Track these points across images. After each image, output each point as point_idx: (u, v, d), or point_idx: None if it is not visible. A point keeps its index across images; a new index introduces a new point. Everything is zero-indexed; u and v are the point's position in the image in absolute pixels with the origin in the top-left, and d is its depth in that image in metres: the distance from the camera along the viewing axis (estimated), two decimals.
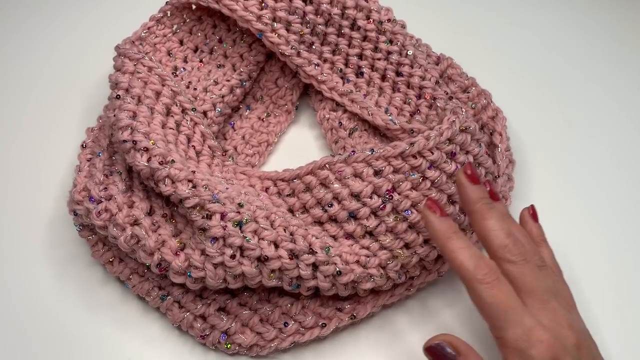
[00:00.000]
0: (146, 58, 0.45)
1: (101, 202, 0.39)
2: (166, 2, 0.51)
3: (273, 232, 0.38)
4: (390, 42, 0.48)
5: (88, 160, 0.44)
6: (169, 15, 0.51)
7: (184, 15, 0.51)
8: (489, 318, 0.33)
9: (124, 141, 0.40)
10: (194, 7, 0.51)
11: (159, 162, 0.39)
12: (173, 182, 0.38)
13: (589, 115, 0.55)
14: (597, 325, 0.41)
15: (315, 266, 0.38)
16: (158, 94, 0.44)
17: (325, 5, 0.48)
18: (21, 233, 0.46)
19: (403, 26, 0.49)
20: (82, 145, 0.46)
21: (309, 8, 0.48)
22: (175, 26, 0.51)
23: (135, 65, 0.45)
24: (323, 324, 0.41)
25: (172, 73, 0.49)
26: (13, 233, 0.46)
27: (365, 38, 0.49)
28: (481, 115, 0.48)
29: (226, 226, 0.37)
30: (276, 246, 0.37)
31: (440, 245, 0.35)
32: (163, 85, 0.45)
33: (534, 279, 0.34)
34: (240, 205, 0.38)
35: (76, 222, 0.42)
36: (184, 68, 0.50)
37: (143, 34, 0.50)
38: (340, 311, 0.41)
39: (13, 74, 0.55)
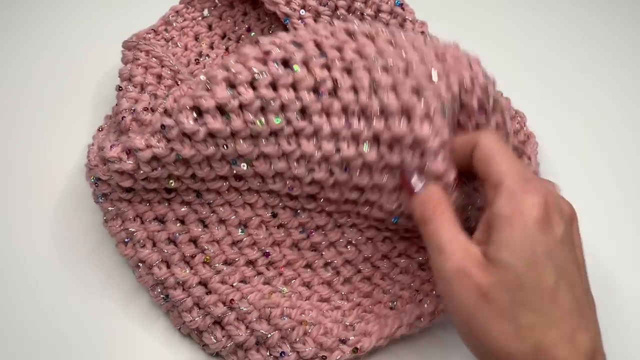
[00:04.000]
0: (141, 43, 0.44)
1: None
2: None
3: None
4: None
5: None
6: None
7: (216, 0, 0.50)
8: (487, 166, 0.32)
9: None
10: None
11: None
12: None
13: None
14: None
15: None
16: (160, 77, 0.43)
17: (359, 4, 0.45)
18: (32, 225, 0.46)
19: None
20: (99, 128, 0.45)
21: (341, 2, 0.45)
22: (206, 10, 0.50)
23: (133, 53, 0.44)
24: (323, 356, 0.38)
25: (195, 60, 0.48)
26: (25, 225, 0.46)
27: None
28: (512, 140, 0.45)
29: None
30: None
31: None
32: (162, 67, 0.43)
33: None
34: None
35: (98, 192, 0.40)
36: (208, 55, 0.49)
37: (170, 18, 0.49)
38: (344, 343, 0.39)
39: (27, 66, 0.54)
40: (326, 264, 0.41)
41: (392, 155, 0.34)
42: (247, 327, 0.38)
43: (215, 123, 0.35)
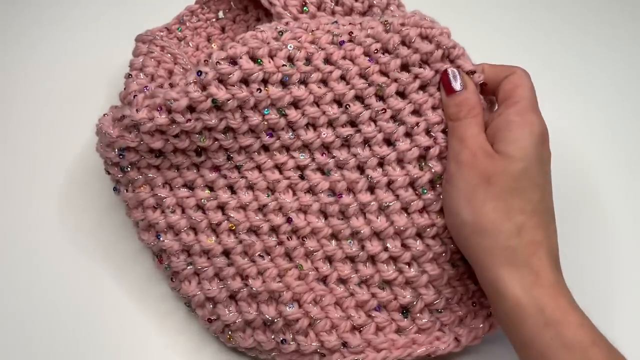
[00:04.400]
0: (158, 38, 0.45)
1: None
2: None
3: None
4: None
5: None
6: None
7: (231, 3, 0.51)
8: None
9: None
10: None
11: None
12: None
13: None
14: None
15: None
16: (170, 73, 0.44)
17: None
18: (41, 219, 0.46)
19: None
20: (104, 115, 0.46)
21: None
22: (220, 12, 0.51)
23: (148, 46, 0.45)
24: (322, 353, 0.38)
25: (205, 61, 0.48)
26: (35, 219, 0.46)
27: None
28: None
29: None
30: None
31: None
32: (175, 64, 0.44)
33: None
34: None
35: (124, 163, 0.40)
36: None
37: (185, 17, 0.49)
38: (345, 347, 0.38)
39: (41, 62, 0.55)
40: (352, 234, 0.39)
41: (425, 71, 0.38)
42: (257, 307, 0.39)
43: (249, 64, 0.37)
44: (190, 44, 0.50)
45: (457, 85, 0.38)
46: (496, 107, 0.39)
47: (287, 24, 0.40)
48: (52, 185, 0.47)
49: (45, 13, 0.58)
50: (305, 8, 0.44)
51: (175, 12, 0.50)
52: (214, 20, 0.50)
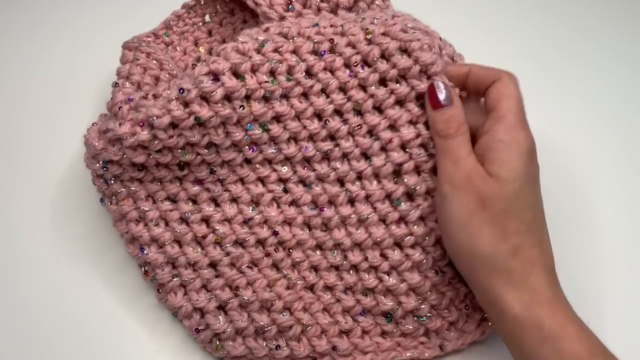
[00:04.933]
0: (143, 44, 0.45)
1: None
2: None
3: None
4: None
5: None
6: (202, 3, 0.50)
7: (217, 6, 0.51)
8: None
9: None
10: None
11: None
12: None
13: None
14: None
15: None
16: (157, 79, 0.44)
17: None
18: (32, 225, 0.46)
19: None
20: (93, 124, 0.46)
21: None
22: (207, 16, 0.51)
23: (134, 53, 0.45)
24: (314, 357, 0.40)
25: (192, 65, 0.48)
26: (25, 225, 0.46)
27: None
28: None
29: None
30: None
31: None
32: (161, 70, 0.44)
33: None
34: None
35: (108, 175, 0.40)
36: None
37: (171, 22, 0.49)
38: (335, 350, 0.40)
39: (28, 67, 0.55)
40: (335, 245, 0.40)
41: (401, 87, 0.38)
42: (248, 315, 0.39)
43: (232, 81, 0.37)
44: (178, 49, 0.50)
45: (443, 98, 0.37)
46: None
47: (267, 29, 0.39)
48: (43, 193, 0.47)
49: (36, 19, 0.58)
50: (290, 6, 0.44)
51: (165, 17, 0.50)
52: (200, 24, 0.50)
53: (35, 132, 0.50)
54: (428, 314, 0.40)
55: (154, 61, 0.45)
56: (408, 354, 0.40)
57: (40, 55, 0.55)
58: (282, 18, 0.44)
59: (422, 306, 0.40)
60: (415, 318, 0.40)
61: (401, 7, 0.46)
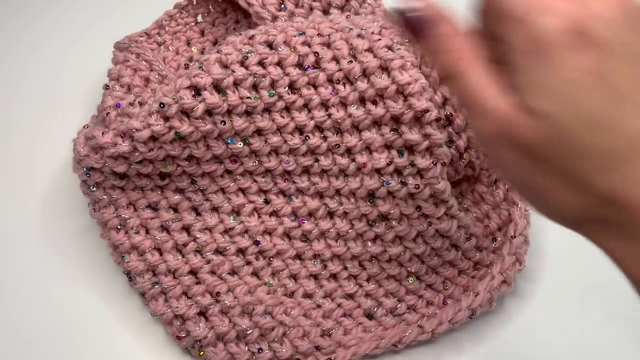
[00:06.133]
0: (133, 45, 0.45)
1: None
2: None
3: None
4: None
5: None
6: (194, 3, 0.50)
7: (210, 6, 0.51)
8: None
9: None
10: None
11: None
12: None
13: None
14: None
15: None
16: (147, 81, 0.44)
17: None
18: (18, 226, 0.46)
19: None
20: (84, 126, 0.46)
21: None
22: (199, 16, 0.50)
23: (124, 54, 0.45)
24: (297, 358, 0.39)
25: (185, 64, 0.48)
26: (11, 226, 0.46)
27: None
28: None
29: None
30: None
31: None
32: (151, 71, 0.44)
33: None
34: None
35: (90, 182, 0.40)
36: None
37: (164, 22, 0.49)
38: (318, 350, 0.39)
39: (19, 66, 0.55)
40: (315, 256, 0.41)
41: (377, 108, 0.37)
42: (229, 320, 0.39)
43: (213, 98, 0.36)
44: (170, 49, 0.49)
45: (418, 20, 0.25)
46: None
47: (252, 37, 0.39)
48: (34, 193, 0.47)
49: (29, 18, 0.58)
50: (283, 6, 0.44)
51: (156, 16, 0.50)
52: (193, 24, 0.50)
53: (27, 131, 0.50)
54: (407, 311, 0.41)
55: (144, 62, 0.45)
56: (387, 340, 0.40)
57: (33, 54, 0.55)
58: (275, 18, 0.44)
59: (400, 305, 0.41)
60: (395, 316, 0.41)
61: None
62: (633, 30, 0.23)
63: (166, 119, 0.37)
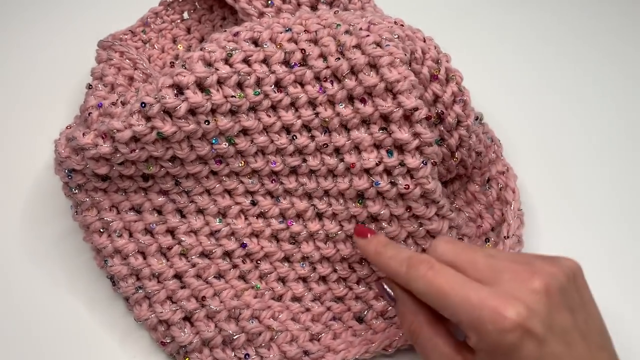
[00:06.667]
0: (117, 43, 0.44)
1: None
2: None
3: None
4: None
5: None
6: (180, 0, 0.49)
7: (196, 3, 0.50)
8: (441, 309, 0.30)
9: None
10: None
11: None
12: None
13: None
14: None
15: None
16: (131, 80, 0.43)
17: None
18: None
19: None
20: (67, 126, 0.45)
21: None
22: (185, 12, 0.50)
23: (108, 53, 0.44)
24: None
25: (171, 63, 0.47)
26: None
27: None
28: (489, 168, 0.43)
29: None
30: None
31: (375, 263, 0.35)
32: (135, 69, 0.43)
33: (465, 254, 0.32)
34: None
35: (72, 184, 0.39)
36: None
37: (149, 19, 0.48)
38: (307, 355, 0.39)
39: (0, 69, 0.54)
40: (304, 258, 0.41)
41: (366, 107, 0.36)
42: (215, 326, 0.38)
43: (196, 97, 0.35)
44: (156, 46, 0.48)
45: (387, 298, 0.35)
46: None
47: (237, 34, 0.38)
48: (17, 194, 0.46)
49: (11, 16, 0.57)
50: (270, 2, 0.43)
51: (141, 14, 0.49)
52: (179, 21, 0.49)
53: (10, 132, 0.49)
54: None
55: (127, 60, 0.44)
56: (376, 344, 0.39)
57: (15, 52, 0.54)
58: (261, 14, 0.43)
59: (389, 308, 0.40)
60: (385, 318, 0.41)
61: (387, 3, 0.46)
62: (561, 309, 0.29)
63: (148, 119, 0.35)
